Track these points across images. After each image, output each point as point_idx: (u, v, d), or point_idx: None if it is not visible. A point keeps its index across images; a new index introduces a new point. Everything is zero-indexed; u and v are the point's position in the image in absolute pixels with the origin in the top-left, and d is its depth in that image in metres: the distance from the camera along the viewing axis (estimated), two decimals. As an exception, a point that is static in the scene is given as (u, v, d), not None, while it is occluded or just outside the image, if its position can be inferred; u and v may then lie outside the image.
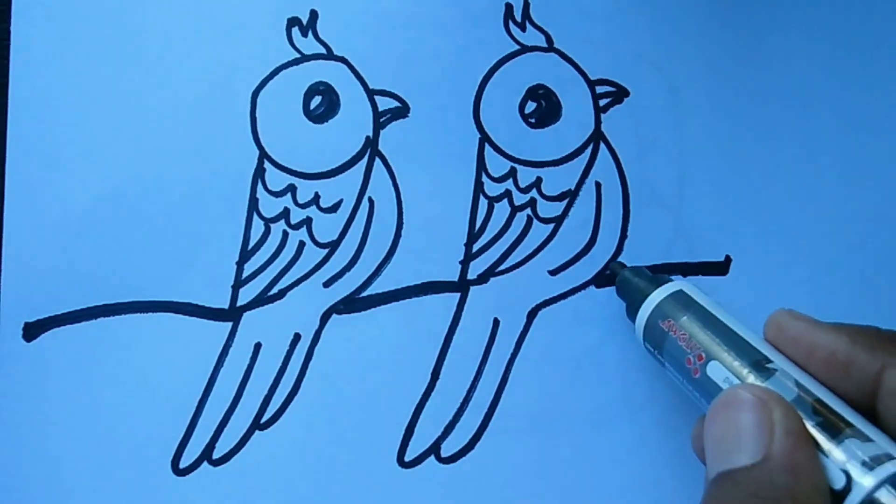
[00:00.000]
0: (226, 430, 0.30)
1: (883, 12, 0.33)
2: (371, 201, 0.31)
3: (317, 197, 0.31)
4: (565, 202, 0.31)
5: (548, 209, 0.31)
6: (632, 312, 0.28)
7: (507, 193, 0.31)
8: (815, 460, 0.20)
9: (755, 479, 0.20)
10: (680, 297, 0.27)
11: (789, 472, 0.20)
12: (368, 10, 0.32)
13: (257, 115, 0.31)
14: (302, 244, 0.31)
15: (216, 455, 0.30)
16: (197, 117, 0.31)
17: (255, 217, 0.31)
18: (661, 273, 0.30)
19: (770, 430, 0.20)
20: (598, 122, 0.32)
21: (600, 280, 0.31)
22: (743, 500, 0.20)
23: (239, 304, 0.31)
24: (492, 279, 0.31)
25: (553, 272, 0.31)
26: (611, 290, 0.31)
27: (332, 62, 0.32)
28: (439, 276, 0.31)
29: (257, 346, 0.31)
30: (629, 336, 0.31)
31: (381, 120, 0.32)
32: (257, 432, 0.30)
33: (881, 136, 0.32)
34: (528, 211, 0.31)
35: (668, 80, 0.32)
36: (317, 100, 0.32)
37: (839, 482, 0.20)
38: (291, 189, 0.31)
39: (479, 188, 0.31)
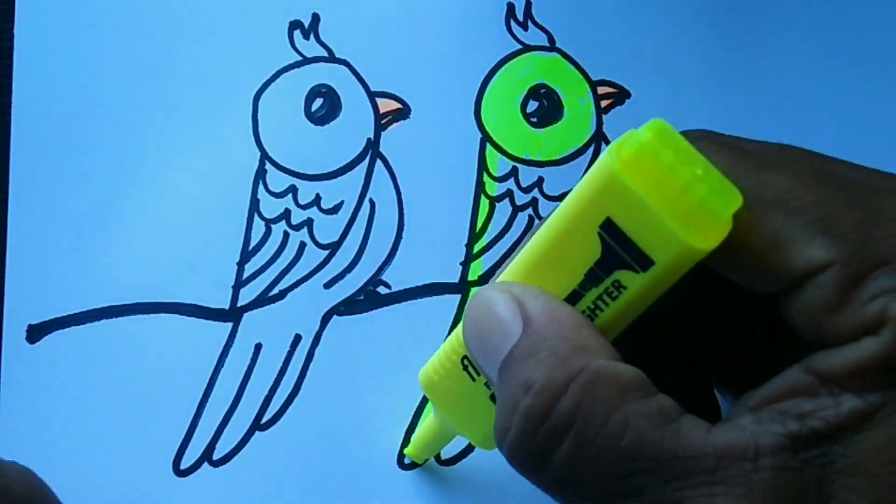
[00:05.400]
0: (226, 430, 0.30)
1: (885, 15, 0.33)
2: (372, 203, 0.31)
3: (318, 198, 0.31)
4: (567, 203, 0.31)
5: (550, 209, 0.31)
6: None
7: (509, 193, 0.31)
8: (567, 305, 0.20)
9: (527, 346, 0.19)
10: None
11: (550, 325, 0.19)
12: (369, 13, 0.32)
13: (259, 117, 0.32)
14: (303, 245, 0.31)
15: (216, 456, 0.30)
16: (199, 119, 0.31)
17: (256, 218, 0.31)
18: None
19: (519, 304, 0.20)
20: (599, 123, 0.32)
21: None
22: (525, 368, 0.19)
23: (239, 304, 0.31)
24: (493, 280, 0.31)
25: (555, 273, 0.31)
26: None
27: (334, 65, 0.32)
28: (440, 278, 0.31)
29: (258, 347, 0.30)
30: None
31: (383, 122, 0.32)
32: (257, 433, 0.30)
33: (882, 136, 0.32)
34: (530, 210, 0.31)
35: (669, 82, 0.32)
36: (318, 102, 0.32)
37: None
38: (293, 190, 0.31)
39: (480, 188, 0.31)
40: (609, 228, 0.18)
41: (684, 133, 0.18)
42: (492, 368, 0.20)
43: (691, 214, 0.17)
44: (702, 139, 0.19)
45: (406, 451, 0.30)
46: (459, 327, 0.22)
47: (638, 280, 0.18)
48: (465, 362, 0.23)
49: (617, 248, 0.18)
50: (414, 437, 0.29)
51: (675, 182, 0.17)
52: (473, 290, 0.31)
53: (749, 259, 0.19)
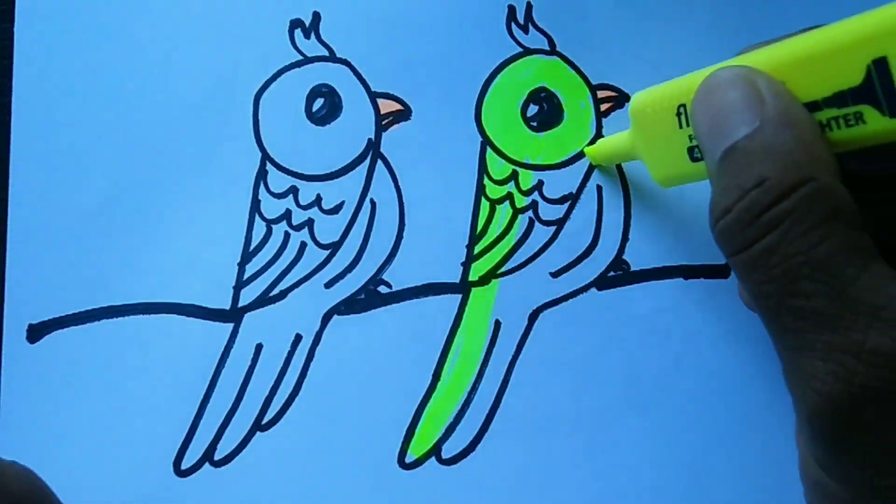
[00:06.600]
0: (227, 430, 0.30)
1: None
2: (373, 203, 0.31)
3: (318, 199, 0.31)
4: (567, 205, 0.32)
5: (549, 212, 0.32)
6: None
7: (510, 196, 0.31)
8: (807, 113, 0.20)
9: (759, 142, 0.20)
10: None
11: (788, 127, 0.20)
12: (371, 12, 0.32)
13: (259, 117, 0.32)
14: (304, 245, 0.31)
15: (217, 456, 0.30)
16: (199, 119, 0.31)
17: (257, 218, 0.31)
18: (662, 276, 0.30)
19: (759, 97, 0.21)
20: (599, 126, 0.32)
21: (602, 282, 0.31)
22: (752, 163, 0.20)
23: (240, 304, 0.31)
24: (493, 281, 0.31)
25: (555, 274, 0.31)
26: (612, 291, 0.31)
27: (335, 64, 0.32)
28: (441, 278, 0.31)
29: (258, 347, 0.31)
30: (630, 338, 0.31)
31: (383, 122, 0.32)
32: (258, 433, 0.30)
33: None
34: (530, 213, 0.31)
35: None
36: (319, 102, 0.32)
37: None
38: (293, 191, 0.31)
39: (480, 190, 0.31)
40: (880, 65, 0.18)
41: None
42: (715, 146, 0.21)
43: None
44: None
45: (586, 149, 0.31)
46: (686, 78, 0.23)
47: (880, 122, 0.19)
48: (681, 110, 0.23)
49: (878, 86, 0.18)
50: (600, 142, 0.31)
51: None
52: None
53: None
